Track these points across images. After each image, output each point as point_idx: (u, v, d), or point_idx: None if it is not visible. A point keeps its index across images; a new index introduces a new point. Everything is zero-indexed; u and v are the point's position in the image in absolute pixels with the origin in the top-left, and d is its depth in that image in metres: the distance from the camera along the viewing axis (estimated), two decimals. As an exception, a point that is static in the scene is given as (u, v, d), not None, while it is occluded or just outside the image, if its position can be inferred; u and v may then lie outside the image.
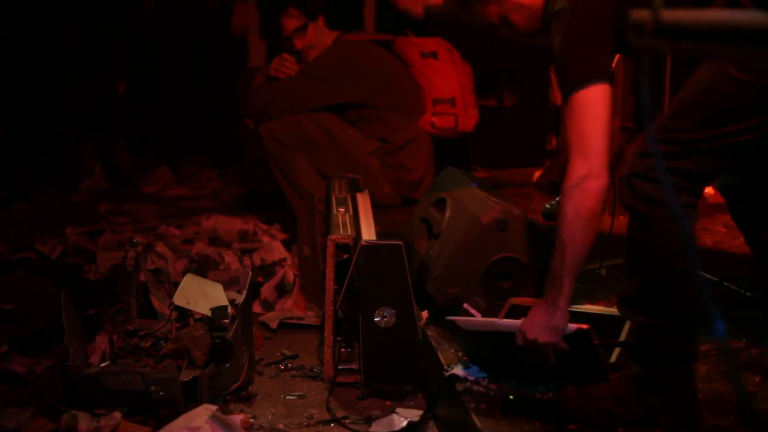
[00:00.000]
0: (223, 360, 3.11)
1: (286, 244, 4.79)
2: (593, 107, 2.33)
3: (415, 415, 2.98)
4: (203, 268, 4.32)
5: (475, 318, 2.89)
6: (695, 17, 1.30)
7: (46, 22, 6.16)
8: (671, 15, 1.32)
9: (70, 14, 6.26)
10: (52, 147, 6.47)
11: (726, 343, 2.37)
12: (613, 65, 2.43)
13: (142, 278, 3.57)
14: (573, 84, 2.37)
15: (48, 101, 6.30)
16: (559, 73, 2.47)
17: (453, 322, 2.84)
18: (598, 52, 2.37)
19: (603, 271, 3.77)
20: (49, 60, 6.22)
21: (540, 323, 2.51)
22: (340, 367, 3.29)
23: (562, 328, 2.50)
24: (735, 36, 1.25)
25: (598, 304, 3.38)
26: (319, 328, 3.65)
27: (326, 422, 3.04)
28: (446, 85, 5.30)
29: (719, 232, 4.22)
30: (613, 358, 2.83)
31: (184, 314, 3.34)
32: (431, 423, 2.96)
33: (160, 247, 4.45)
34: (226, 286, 3.59)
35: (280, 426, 3.02)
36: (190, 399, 2.99)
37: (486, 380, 2.83)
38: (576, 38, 2.39)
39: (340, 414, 3.07)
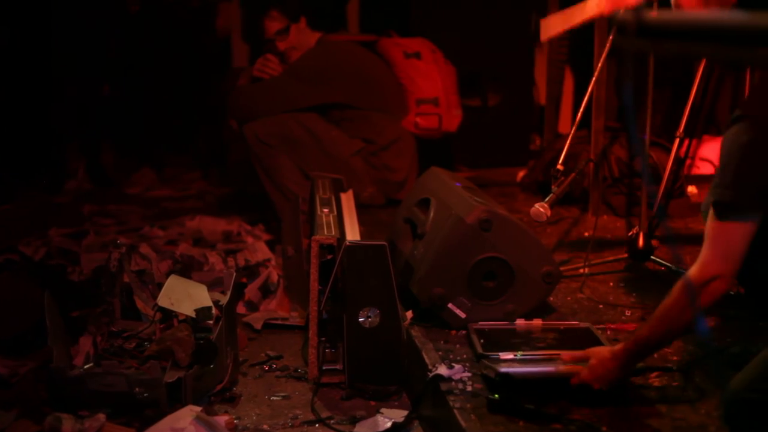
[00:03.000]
0: (208, 361, 3.10)
1: (271, 245, 4.79)
2: (746, 229, 2.32)
3: (399, 415, 2.98)
4: (187, 269, 4.31)
5: (530, 369, 2.83)
6: (677, 17, 1.31)
7: (31, 22, 6.13)
8: (653, 15, 1.33)
9: (54, 15, 6.24)
10: (36, 148, 6.44)
11: (709, 341, 2.39)
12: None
13: (126, 279, 3.56)
14: (733, 207, 2.35)
15: (32, 102, 6.28)
16: (721, 179, 2.39)
17: (507, 374, 2.71)
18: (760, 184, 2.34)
19: (586, 269, 3.79)
20: (33, 61, 6.19)
21: (609, 379, 2.57)
22: (324, 368, 3.29)
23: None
24: (716, 35, 1.26)
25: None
26: (304, 329, 3.65)
27: (311, 423, 3.03)
28: (430, 86, 5.30)
29: (703, 231, 4.23)
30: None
31: (168, 315, 3.34)
32: (416, 423, 2.97)
33: (144, 248, 4.44)
34: (210, 287, 3.59)
35: (265, 427, 3.02)
36: (174, 400, 2.99)
37: (470, 380, 2.84)
38: (746, 160, 2.34)
39: (324, 414, 3.07)
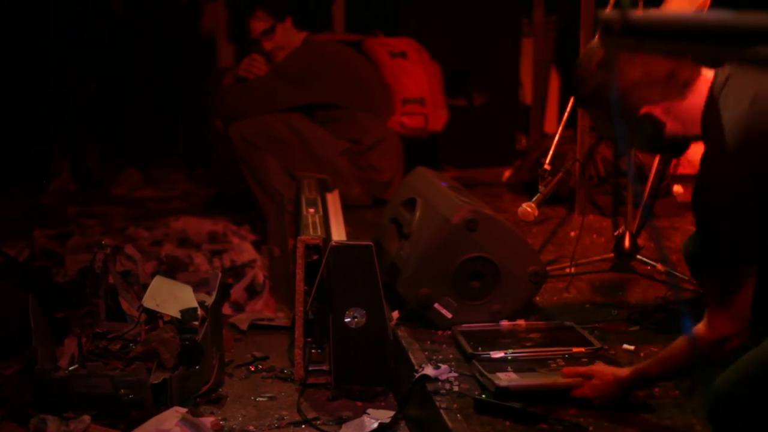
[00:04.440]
0: (193, 362, 3.09)
1: (256, 245, 4.78)
2: (747, 284, 2.31)
3: (386, 415, 2.98)
4: (172, 269, 4.30)
5: (528, 382, 2.82)
6: (663, 17, 1.31)
7: (15, 23, 6.11)
8: (639, 14, 1.32)
9: (39, 15, 6.21)
10: (20, 149, 6.41)
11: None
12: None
13: (111, 280, 3.54)
14: (724, 262, 2.33)
15: (17, 103, 6.25)
16: (711, 243, 2.37)
17: (506, 389, 2.70)
18: (745, 236, 2.31)
19: (572, 269, 3.79)
20: (18, 61, 6.17)
21: (612, 399, 2.60)
22: (310, 369, 3.28)
23: None
24: (702, 34, 1.26)
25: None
26: (290, 330, 3.64)
27: (297, 423, 3.03)
28: (415, 85, 5.30)
29: (689, 231, 4.23)
30: None
31: (153, 316, 3.32)
32: (402, 423, 2.96)
33: (129, 249, 4.42)
34: (196, 288, 3.57)
35: (251, 428, 3.01)
36: (159, 402, 2.98)
37: (457, 380, 2.84)
38: (725, 219, 2.32)
39: (310, 415, 3.06)
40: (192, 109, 6.74)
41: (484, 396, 2.70)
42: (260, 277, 4.29)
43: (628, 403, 2.60)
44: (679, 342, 2.42)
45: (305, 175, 4.29)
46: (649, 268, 3.85)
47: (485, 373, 2.78)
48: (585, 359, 2.89)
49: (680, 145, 2.52)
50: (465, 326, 3.26)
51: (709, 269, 2.38)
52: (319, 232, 3.37)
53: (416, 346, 3.16)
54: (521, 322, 3.32)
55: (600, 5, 4.06)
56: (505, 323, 3.31)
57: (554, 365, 2.85)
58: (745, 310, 2.31)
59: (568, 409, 2.60)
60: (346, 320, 3.16)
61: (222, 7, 7.16)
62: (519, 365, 2.86)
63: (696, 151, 4.96)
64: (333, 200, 4.06)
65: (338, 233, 3.61)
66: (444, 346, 3.17)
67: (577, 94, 2.61)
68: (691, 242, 2.62)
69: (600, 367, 2.69)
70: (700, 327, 2.34)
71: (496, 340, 3.14)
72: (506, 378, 2.73)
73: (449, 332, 3.26)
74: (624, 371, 2.59)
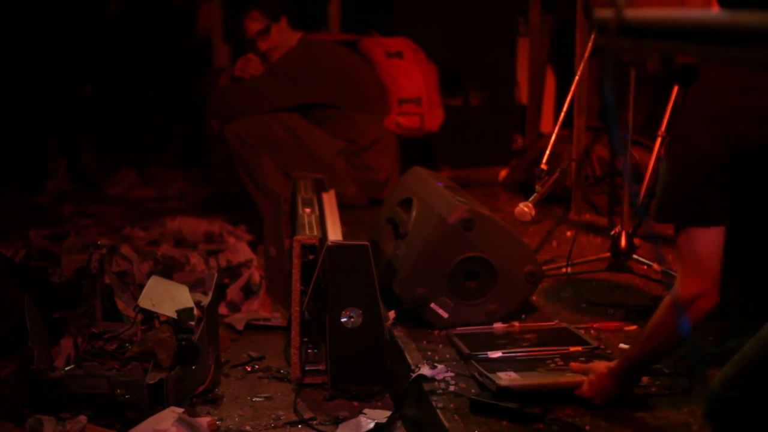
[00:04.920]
0: (190, 362, 3.09)
1: (252, 245, 4.78)
2: (707, 241, 2.33)
3: (382, 415, 2.98)
4: (168, 269, 4.29)
5: (529, 382, 2.82)
6: (659, 16, 1.31)
7: (10, 24, 6.10)
8: (635, 14, 1.32)
9: (34, 16, 6.21)
10: (16, 148, 6.41)
11: (690, 339, 2.39)
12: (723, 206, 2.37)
13: (107, 281, 3.54)
14: (684, 222, 2.37)
15: (12, 103, 6.25)
16: (661, 201, 2.44)
17: (507, 388, 2.70)
18: (708, 196, 2.35)
19: (569, 269, 3.79)
20: (13, 61, 6.16)
21: (607, 394, 2.59)
22: (307, 369, 3.28)
23: None
24: (698, 34, 1.26)
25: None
26: (286, 330, 3.64)
27: (293, 423, 3.03)
28: (412, 85, 5.30)
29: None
30: None
31: (149, 316, 3.32)
32: (399, 423, 2.96)
33: (125, 249, 4.41)
34: (192, 288, 3.57)
35: (247, 428, 3.01)
36: (156, 402, 2.98)
37: (453, 380, 2.84)
38: (685, 178, 2.38)
39: (307, 415, 3.07)
40: (188, 109, 6.74)
41: (481, 395, 2.70)
42: (256, 277, 4.29)
43: (624, 403, 2.60)
44: (657, 313, 2.43)
45: (301, 175, 4.28)
46: (645, 267, 3.86)
47: (485, 372, 2.78)
48: (583, 358, 2.90)
49: (689, 74, 2.51)
50: (459, 329, 3.26)
51: (673, 226, 2.40)
52: (315, 232, 3.36)
53: (413, 345, 3.16)
54: (515, 323, 3.33)
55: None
56: (498, 325, 3.31)
57: (553, 365, 2.85)
58: (711, 270, 2.33)
59: (565, 409, 2.60)
60: (342, 320, 3.16)
61: (217, 7, 7.16)
62: (518, 365, 2.86)
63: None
64: (329, 200, 4.06)
65: (334, 233, 3.61)
66: (440, 345, 3.17)
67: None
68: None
69: (596, 364, 2.70)
70: (671, 292, 2.39)
71: (493, 341, 3.14)
72: (507, 377, 2.73)
73: (445, 332, 3.26)
74: (614, 362, 2.60)
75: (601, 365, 2.65)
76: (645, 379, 2.71)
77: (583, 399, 2.62)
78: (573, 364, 2.75)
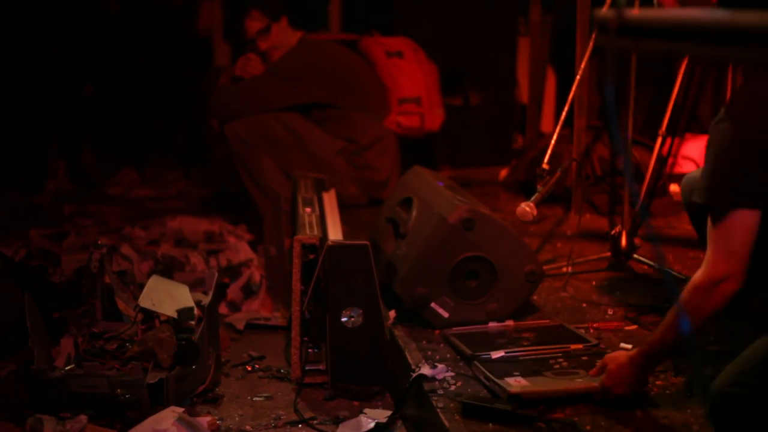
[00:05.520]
0: (190, 362, 3.09)
1: (253, 245, 4.77)
2: (743, 225, 2.32)
3: (382, 415, 2.97)
4: (169, 269, 4.29)
5: (543, 387, 2.81)
6: (659, 16, 1.31)
7: (11, 23, 6.10)
8: (635, 13, 1.32)
9: (35, 15, 6.21)
10: (16, 148, 6.41)
11: (690, 339, 2.39)
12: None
13: (107, 280, 3.54)
14: (724, 204, 2.35)
15: (13, 102, 6.25)
16: (708, 182, 2.41)
17: (518, 395, 2.67)
18: (757, 179, 2.33)
19: (569, 268, 3.79)
20: (14, 61, 6.16)
21: (628, 383, 2.57)
22: (307, 368, 3.28)
23: None
24: (698, 34, 1.26)
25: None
26: (286, 329, 3.64)
27: (294, 423, 3.03)
28: (412, 85, 5.30)
29: (686, 230, 4.24)
30: None
31: (149, 316, 3.32)
32: (399, 423, 2.96)
33: (125, 249, 4.42)
34: (192, 288, 3.57)
35: (248, 428, 3.01)
36: (156, 401, 2.97)
37: (454, 379, 2.84)
38: (732, 161, 2.36)
39: (307, 415, 3.06)
40: (188, 108, 6.73)
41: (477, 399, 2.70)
42: (257, 277, 4.29)
43: (625, 403, 2.60)
44: (684, 294, 2.39)
45: (301, 175, 4.28)
46: (645, 267, 3.85)
47: (493, 378, 2.76)
48: (585, 357, 2.89)
49: None
50: (455, 329, 3.25)
51: (708, 207, 2.38)
52: (316, 232, 3.36)
53: (413, 345, 3.16)
54: (510, 322, 3.33)
55: (596, 4, 4.06)
56: (492, 324, 3.31)
57: (558, 366, 2.85)
58: (741, 253, 2.32)
59: (565, 409, 2.59)
60: (342, 320, 3.16)
61: (218, 6, 7.16)
62: (522, 366, 2.85)
63: (694, 147, 4.99)
64: (329, 200, 4.06)
65: (335, 233, 3.60)
66: (441, 345, 3.17)
67: None
68: (689, 182, 2.60)
69: (614, 354, 2.68)
70: (697, 275, 2.35)
71: (492, 341, 3.14)
72: (517, 384, 2.71)
73: (440, 333, 3.26)
74: (634, 350, 2.58)
75: (619, 354, 2.63)
76: (654, 389, 2.70)
77: (584, 398, 2.61)
78: (592, 373, 2.71)
